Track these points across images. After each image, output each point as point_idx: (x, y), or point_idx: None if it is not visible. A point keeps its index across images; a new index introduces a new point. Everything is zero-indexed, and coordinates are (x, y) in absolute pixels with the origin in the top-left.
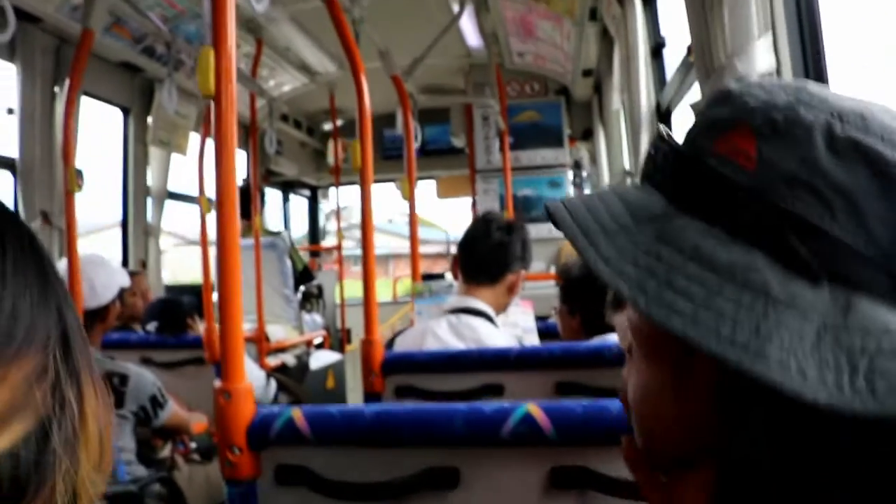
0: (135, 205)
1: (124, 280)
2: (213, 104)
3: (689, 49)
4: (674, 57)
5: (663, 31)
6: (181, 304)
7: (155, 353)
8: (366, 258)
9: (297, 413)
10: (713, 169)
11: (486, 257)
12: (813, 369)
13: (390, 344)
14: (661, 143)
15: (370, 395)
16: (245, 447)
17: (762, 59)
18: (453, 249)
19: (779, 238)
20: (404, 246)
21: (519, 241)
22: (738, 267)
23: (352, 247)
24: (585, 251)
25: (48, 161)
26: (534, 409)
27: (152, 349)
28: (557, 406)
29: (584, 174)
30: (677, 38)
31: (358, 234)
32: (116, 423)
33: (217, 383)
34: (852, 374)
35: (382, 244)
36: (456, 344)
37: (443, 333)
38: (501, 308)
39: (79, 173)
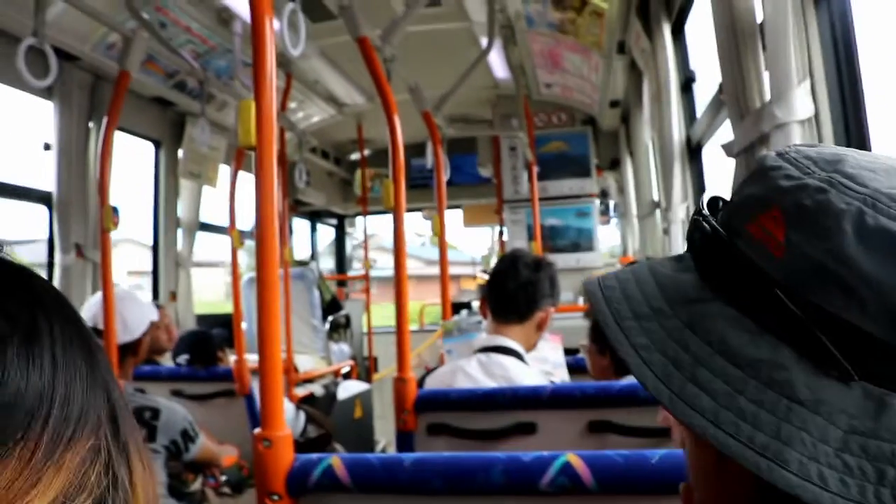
0: (165, 236)
1: (153, 314)
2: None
3: (721, 87)
4: (703, 90)
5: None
6: (211, 337)
7: (185, 386)
8: (399, 300)
9: (336, 461)
10: (743, 255)
11: (514, 295)
12: (835, 477)
13: (421, 382)
14: (700, 218)
15: (403, 434)
16: (284, 494)
17: (801, 105)
18: (475, 270)
19: (806, 333)
20: (416, 266)
21: (547, 279)
22: (763, 363)
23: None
24: (617, 339)
25: (82, 195)
26: (574, 459)
27: (183, 381)
28: (597, 455)
29: (612, 203)
30: (706, 71)
31: (376, 256)
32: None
33: (257, 430)
34: (878, 483)
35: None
36: (486, 382)
37: (473, 372)
38: (531, 346)
39: (114, 210)
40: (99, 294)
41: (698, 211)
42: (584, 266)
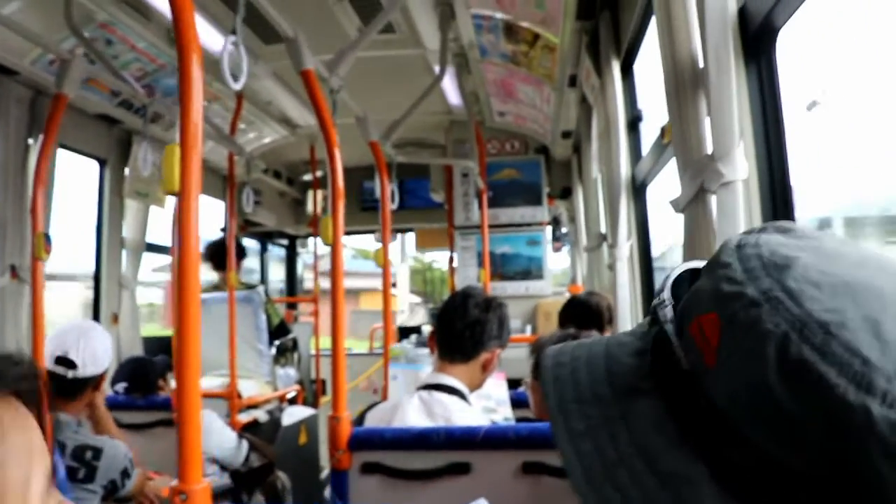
0: (109, 257)
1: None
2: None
3: (663, 130)
4: (649, 128)
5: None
6: (153, 365)
7: (122, 415)
8: (335, 336)
9: None
10: (680, 359)
11: (461, 334)
12: None
13: (361, 419)
14: (658, 305)
15: (336, 473)
16: None
17: (741, 164)
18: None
19: (721, 455)
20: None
21: (496, 320)
22: (677, 478)
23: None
24: (554, 422)
25: (20, 214)
26: None
27: (119, 410)
28: None
29: (563, 230)
30: (653, 110)
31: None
32: (84, 498)
33: (173, 483)
34: None
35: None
36: (425, 422)
37: (412, 411)
38: (476, 386)
39: (47, 238)
40: (67, 323)
41: (659, 292)
42: (532, 294)
